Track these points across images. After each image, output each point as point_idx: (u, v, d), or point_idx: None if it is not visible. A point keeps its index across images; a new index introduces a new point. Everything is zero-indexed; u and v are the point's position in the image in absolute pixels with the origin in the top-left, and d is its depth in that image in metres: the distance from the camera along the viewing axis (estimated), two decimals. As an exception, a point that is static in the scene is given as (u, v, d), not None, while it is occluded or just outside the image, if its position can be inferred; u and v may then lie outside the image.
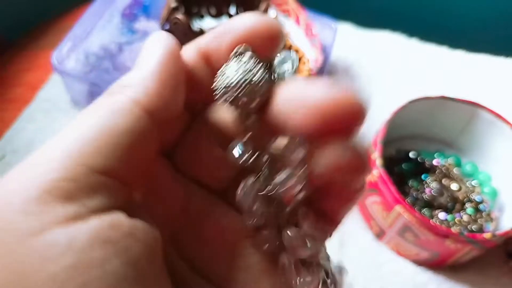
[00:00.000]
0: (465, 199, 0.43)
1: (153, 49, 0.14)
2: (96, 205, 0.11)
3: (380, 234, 0.42)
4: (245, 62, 0.14)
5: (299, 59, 0.44)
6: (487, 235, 0.37)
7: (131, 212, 0.12)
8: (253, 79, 0.14)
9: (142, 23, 0.46)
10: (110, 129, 0.12)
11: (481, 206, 0.43)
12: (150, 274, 0.12)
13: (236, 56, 0.14)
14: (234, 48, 0.14)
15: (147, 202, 0.15)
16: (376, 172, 0.39)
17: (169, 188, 0.15)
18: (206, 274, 0.15)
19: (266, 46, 0.14)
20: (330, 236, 0.15)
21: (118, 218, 0.12)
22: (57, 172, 0.11)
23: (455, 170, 0.45)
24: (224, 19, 0.46)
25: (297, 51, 0.44)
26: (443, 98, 0.44)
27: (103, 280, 0.10)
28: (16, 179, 0.11)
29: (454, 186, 0.44)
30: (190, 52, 0.15)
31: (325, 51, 0.48)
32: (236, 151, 0.14)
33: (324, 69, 0.47)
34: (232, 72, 0.14)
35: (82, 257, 0.10)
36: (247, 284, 0.15)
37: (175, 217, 0.15)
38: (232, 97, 0.14)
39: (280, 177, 0.14)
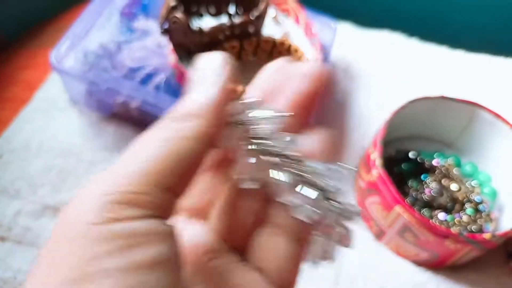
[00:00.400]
0: (464, 200, 0.43)
1: (212, 73, 0.17)
2: (146, 214, 0.14)
3: (379, 235, 0.42)
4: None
5: (298, 59, 0.44)
6: (486, 236, 0.37)
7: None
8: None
9: (141, 22, 0.46)
10: (177, 153, 0.15)
11: (480, 207, 0.43)
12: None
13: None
14: None
15: None
16: (376, 172, 0.39)
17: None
18: None
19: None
20: None
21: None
22: (129, 186, 0.14)
23: (454, 171, 0.45)
24: (223, 18, 0.46)
25: (296, 50, 0.44)
26: (443, 98, 0.44)
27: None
28: (100, 182, 0.14)
29: (453, 187, 0.44)
30: None
31: (324, 51, 0.48)
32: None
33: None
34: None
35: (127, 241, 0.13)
36: None
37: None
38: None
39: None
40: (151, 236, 0.14)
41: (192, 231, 0.18)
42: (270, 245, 0.17)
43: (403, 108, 0.42)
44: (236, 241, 0.18)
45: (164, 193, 0.14)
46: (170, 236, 0.14)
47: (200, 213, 0.18)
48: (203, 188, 0.19)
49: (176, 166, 0.15)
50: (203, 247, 0.17)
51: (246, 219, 0.18)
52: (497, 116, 0.43)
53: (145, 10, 0.47)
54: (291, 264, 0.17)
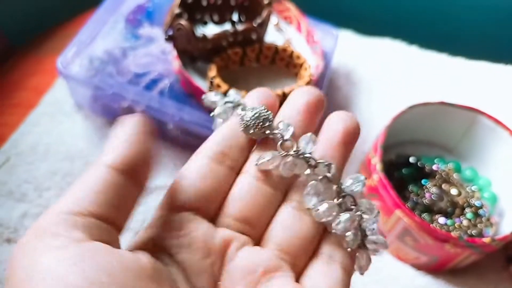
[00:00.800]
0: (465, 204, 0.44)
1: (126, 125, 0.19)
2: (92, 235, 0.16)
3: (380, 239, 0.42)
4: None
5: (301, 65, 0.45)
6: (486, 240, 0.37)
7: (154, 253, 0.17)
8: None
9: (146, 29, 0.46)
10: (98, 186, 0.17)
11: (480, 211, 0.43)
12: None
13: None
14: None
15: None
16: (376, 176, 0.40)
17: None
18: None
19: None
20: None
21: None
22: (73, 209, 0.16)
23: (455, 175, 0.46)
24: (227, 26, 0.47)
25: (298, 57, 0.45)
26: (443, 104, 0.45)
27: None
28: (52, 209, 0.16)
29: (454, 191, 0.44)
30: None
31: (326, 58, 0.48)
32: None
33: (325, 75, 0.47)
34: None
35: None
36: None
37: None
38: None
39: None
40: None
41: (249, 253, 0.18)
42: (326, 275, 0.19)
43: (403, 113, 0.43)
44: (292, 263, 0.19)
45: (99, 221, 0.16)
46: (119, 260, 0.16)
47: (250, 225, 0.19)
48: (255, 201, 0.20)
49: (103, 198, 0.17)
50: (262, 267, 0.18)
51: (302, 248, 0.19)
52: (497, 122, 0.44)
53: (150, 17, 0.48)
54: None
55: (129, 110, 0.44)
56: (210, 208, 0.19)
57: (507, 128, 0.43)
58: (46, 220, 0.16)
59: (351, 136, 0.21)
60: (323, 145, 0.21)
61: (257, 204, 0.19)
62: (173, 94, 0.43)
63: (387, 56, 0.59)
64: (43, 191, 0.41)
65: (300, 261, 0.19)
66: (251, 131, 0.20)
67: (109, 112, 0.45)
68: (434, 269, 0.42)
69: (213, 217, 0.19)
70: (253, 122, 0.20)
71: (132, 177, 0.17)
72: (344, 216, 0.19)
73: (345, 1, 0.64)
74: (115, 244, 0.16)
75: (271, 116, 0.20)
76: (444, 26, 0.63)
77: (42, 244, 0.15)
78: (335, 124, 0.21)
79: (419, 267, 0.42)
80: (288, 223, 0.19)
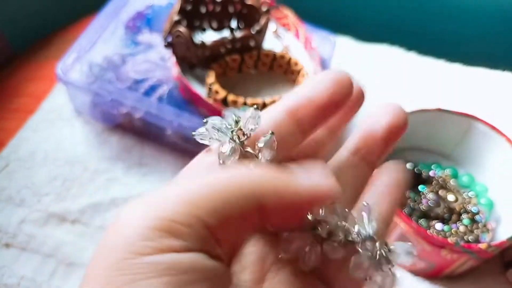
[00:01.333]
0: (461, 210, 0.44)
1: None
2: (190, 247, 0.13)
3: (377, 244, 0.43)
4: None
5: (298, 72, 0.45)
6: (483, 246, 0.37)
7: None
8: None
9: (145, 36, 0.47)
10: (224, 193, 0.14)
11: (477, 217, 0.43)
12: None
13: None
14: (323, 108, 0.17)
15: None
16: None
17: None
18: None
19: (351, 106, 0.18)
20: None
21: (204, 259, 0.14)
22: (172, 213, 0.13)
23: (451, 182, 0.46)
24: (225, 33, 0.47)
25: (296, 64, 0.45)
26: (440, 110, 0.45)
27: None
28: (140, 209, 0.14)
29: (450, 197, 0.44)
30: (279, 111, 0.17)
31: (324, 64, 0.49)
32: None
33: (323, 81, 0.48)
34: None
35: (174, 278, 0.12)
36: None
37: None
38: None
39: None
40: (197, 272, 0.13)
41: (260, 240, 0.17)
42: None
43: (400, 120, 0.43)
44: None
45: (206, 231, 0.14)
46: (216, 274, 0.14)
47: None
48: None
49: (222, 208, 0.14)
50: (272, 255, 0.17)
51: None
52: (493, 128, 0.44)
53: (149, 24, 0.49)
54: None
55: (128, 116, 0.44)
56: None
57: (503, 135, 0.44)
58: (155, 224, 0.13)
59: (396, 132, 0.19)
60: (361, 135, 0.19)
61: None
62: (171, 100, 0.43)
63: (385, 62, 0.59)
64: (42, 196, 0.42)
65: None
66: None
67: (108, 118, 0.46)
68: (432, 275, 0.42)
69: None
70: None
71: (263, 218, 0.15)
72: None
73: (343, 7, 0.65)
74: None
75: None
76: (442, 33, 0.63)
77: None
78: (381, 115, 0.19)
79: (416, 273, 0.42)
80: None
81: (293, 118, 0.17)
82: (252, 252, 0.17)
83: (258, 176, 0.15)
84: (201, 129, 0.18)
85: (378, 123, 0.19)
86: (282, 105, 0.18)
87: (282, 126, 0.17)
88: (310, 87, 0.18)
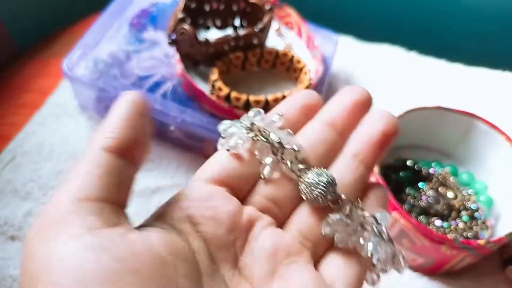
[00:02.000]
0: (461, 207, 0.44)
1: (120, 106, 0.19)
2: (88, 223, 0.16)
3: (377, 240, 0.43)
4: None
5: (301, 70, 0.46)
6: (481, 242, 0.38)
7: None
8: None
9: (149, 33, 0.48)
10: (98, 171, 0.17)
11: (476, 214, 0.44)
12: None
13: None
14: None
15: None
16: (374, 179, 0.40)
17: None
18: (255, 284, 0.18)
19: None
20: None
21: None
22: (80, 196, 0.16)
23: (451, 179, 0.46)
24: (229, 31, 0.48)
25: (298, 62, 0.46)
26: (440, 108, 0.46)
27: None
28: (58, 198, 0.17)
29: (450, 194, 0.45)
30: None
31: (325, 62, 0.49)
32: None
33: (325, 80, 0.48)
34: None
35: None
36: None
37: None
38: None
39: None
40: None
41: (273, 234, 0.19)
42: (344, 266, 0.19)
43: (400, 117, 0.44)
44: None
45: (97, 203, 0.17)
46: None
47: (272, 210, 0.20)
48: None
49: (92, 178, 0.17)
50: (283, 250, 0.19)
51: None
52: (493, 126, 0.45)
53: (154, 21, 0.49)
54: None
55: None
56: (243, 189, 0.20)
57: (503, 133, 0.44)
58: (57, 209, 0.16)
59: (389, 138, 0.21)
60: (359, 140, 0.21)
61: (286, 187, 0.20)
62: (175, 96, 0.44)
63: (386, 61, 0.60)
64: (47, 190, 0.42)
65: (320, 249, 0.20)
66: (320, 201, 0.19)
67: (112, 113, 0.46)
68: (431, 271, 0.42)
69: (244, 198, 0.20)
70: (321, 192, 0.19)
71: (127, 157, 0.18)
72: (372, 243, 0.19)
73: (344, 7, 0.65)
74: (125, 223, 0.17)
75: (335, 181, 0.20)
76: (443, 33, 0.64)
77: (56, 233, 0.15)
78: (375, 122, 0.21)
79: (415, 269, 0.42)
80: (310, 211, 0.20)
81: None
82: (263, 247, 0.18)
83: (98, 139, 0.18)
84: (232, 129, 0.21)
85: (374, 129, 0.21)
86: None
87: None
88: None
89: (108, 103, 0.45)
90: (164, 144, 0.47)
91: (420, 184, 0.45)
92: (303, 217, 0.20)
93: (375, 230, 0.19)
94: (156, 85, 0.44)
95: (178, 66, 0.45)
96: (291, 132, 0.21)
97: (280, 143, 0.20)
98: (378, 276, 0.20)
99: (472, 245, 0.38)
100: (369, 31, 0.61)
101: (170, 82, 0.45)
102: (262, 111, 0.21)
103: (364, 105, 0.22)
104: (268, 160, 0.20)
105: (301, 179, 0.20)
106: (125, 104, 0.19)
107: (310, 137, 0.21)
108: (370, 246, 0.19)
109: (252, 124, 0.20)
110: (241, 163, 0.20)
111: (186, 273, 0.16)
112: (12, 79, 0.51)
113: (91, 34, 0.46)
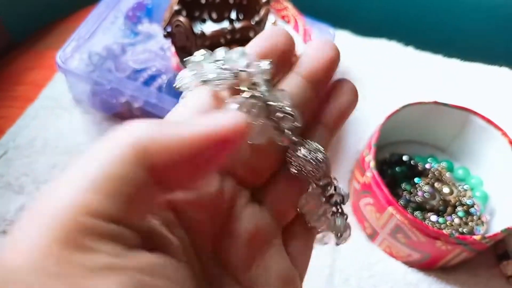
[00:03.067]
0: (456, 203, 0.44)
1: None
2: (110, 251, 0.11)
3: (373, 235, 0.43)
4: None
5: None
6: (476, 237, 0.38)
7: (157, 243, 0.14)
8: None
9: (145, 25, 0.47)
10: (111, 178, 0.12)
11: (472, 210, 0.44)
12: None
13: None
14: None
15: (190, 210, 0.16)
16: (370, 174, 0.40)
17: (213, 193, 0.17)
18: (234, 272, 0.17)
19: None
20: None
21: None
22: (68, 222, 0.11)
23: (447, 174, 0.46)
24: (225, 24, 0.47)
25: (295, 55, 0.45)
26: (436, 103, 0.45)
27: None
28: (31, 224, 0.12)
29: (446, 190, 0.45)
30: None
31: (322, 56, 0.49)
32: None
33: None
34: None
35: None
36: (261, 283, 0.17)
37: (217, 217, 0.17)
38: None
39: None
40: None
41: (252, 213, 0.18)
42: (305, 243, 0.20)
43: (397, 112, 0.44)
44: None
45: (107, 225, 0.12)
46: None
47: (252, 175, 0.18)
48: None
49: (115, 194, 0.12)
50: (263, 232, 0.18)
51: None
52: (489, 122, 0.45)
53: (149, 14, 0.49)
54: None
55: (127, 105, 0.44)
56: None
57: (500, 128, 0.44)
58: (64, 225, 0.11)
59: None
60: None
61: (270, 156, 0.18)
62: (171, 90, 0.44)
63: (383, 56, 0.60)
64: (40, 184, 0.42)
65: (287, 219, 0.19)
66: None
67: (107, 106, 0.46)
68: (426, 266, 0.42)
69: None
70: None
71: (160, 178, 0.13)
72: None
73: (342, 2, 0.65)
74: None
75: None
76: (440, 28, 0.64)
77: (79, 264, 0.11)
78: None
79: (411, 264, 0.42)
80: (288, 185, 0.19)
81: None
82: (242, 232, 0.17)
83: (137, 135, 0.12)
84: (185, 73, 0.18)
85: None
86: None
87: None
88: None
89: (103, 96, 0.45)
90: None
91: (416, 179, 0.45)
92: (279, 191, 0.19)
93: (339, 209, 0.20)
94: (152, 78, 0.44)
95: (173, 59, 0.44)
96: (285, 91, 0.18)
97: (279, 107, 0.17)
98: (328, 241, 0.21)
99: (467, 241, 0.38)
100: (366, 26, 0.61)
101: (165, 75, 0.44)
102: (246, 51, 0.18)
103: (336, 62, 0.20)
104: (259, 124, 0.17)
105: (291, 152, 0.18)
106: (207, 128, 0.14)
107: (296, 96, 0.18)
108: (338, 223, 0.20)
109: (238, 71, 0.17)
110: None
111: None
112: (5, 71, 0.50)
113: (85, 26, 0.46)
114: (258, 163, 0.18)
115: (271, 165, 0.19)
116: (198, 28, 0.42)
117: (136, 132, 0.13)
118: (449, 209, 0.44)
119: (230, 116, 0.14)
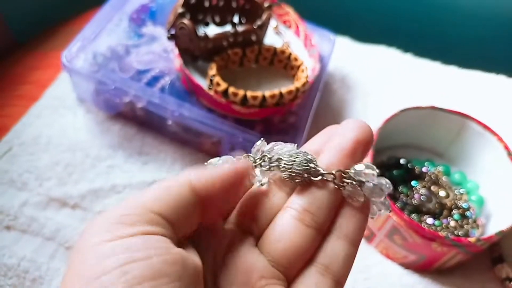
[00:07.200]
0: (452, 206, 0.45)
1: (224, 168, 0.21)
2: (150, 230, 0.17)
3: (370, 237, 0.44)
4: None
5: (298, 67, 0.46)
6: (472, 239, 0.38)
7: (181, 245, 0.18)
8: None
9: (149, 28, 0.48)
10: (171, 195, 0.18)
11: (467, 213, 0.45)
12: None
13: None
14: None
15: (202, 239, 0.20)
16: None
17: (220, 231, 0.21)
18: None
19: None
20: None
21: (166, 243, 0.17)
22: (124, 209, 0.18)
23: (444, 178, 0.47)
24: (228, 28, 0.48)
25: (296, 59, 0.46)
26: (434, 108, 0.46)
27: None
28: (107, 214, 0.18)
29: (442, 193, 0.46)
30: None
31: (322, 61, 0.50)
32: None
33: (321, 78, 0.49)
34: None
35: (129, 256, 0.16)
36: None
37: (219, 254, 0.20)
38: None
39: None
40: (149, 249, 0.16)
41: (248, 254, 0.20)
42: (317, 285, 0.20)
43: (395, 116, 0.44)
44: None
45: (153, 214, 0.17)
46: (170, 252, 0.17)
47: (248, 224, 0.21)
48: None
49: (168, 198, 0.18)
50: (258, 272, 0.19)
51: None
52: (486, 127, 0.45)
53: (153, 16, 0.50)
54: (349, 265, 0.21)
55: (130, 105, 0.45)
56: (259, 231, 0.21)
57: (495, 134, 0.45)
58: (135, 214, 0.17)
59: (363, 146, 0.21)
60: (331, 152, 0.21)
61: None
62: (174, 91, 0.44)
63: (382, 62, 0.60)
64: (43, 181, 0.42)
65: (294, 269, 0.20)
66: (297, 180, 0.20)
67: (110, 106, 0.47)
68: (422, 268, 0.43)
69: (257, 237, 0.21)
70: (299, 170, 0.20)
71: (204, 202, 0.19)
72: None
73: (342, 8, 0.66)
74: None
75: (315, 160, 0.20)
76: (438, 36, 0.65)
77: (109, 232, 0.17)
78: (348, 132, 0.21)
79: (407, 265, 0.43)
80: (284, 230, 0.20)
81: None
82: (238, 267, 0.19)
83: (190, 174, 0.19)
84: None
85: (346, 138, 0.21)
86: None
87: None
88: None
89: (107, 95, 0.45)
90: (161, 138, 0.47)
91: (413, 183, 0.46)
92: (276, 240, 0.20)
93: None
94: (155, 79, 0.45)
95: (176, 61, 0.45)
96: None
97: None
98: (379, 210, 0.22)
99: (462, 242, 0.38)
100: (366, 32, 0.62)
101: (168, 77, 0.45)
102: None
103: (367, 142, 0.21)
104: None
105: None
106: (229, 168, 0.20)
107: None
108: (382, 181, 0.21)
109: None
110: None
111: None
112: (10, 71, 0.51)
113: (90, 27, 0.47)
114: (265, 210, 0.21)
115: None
116: (202, 31, 0.43)
117: (189, 173, 0.19)
118: (445, 212, 0.44)
119: (241, 162, 0.21)
